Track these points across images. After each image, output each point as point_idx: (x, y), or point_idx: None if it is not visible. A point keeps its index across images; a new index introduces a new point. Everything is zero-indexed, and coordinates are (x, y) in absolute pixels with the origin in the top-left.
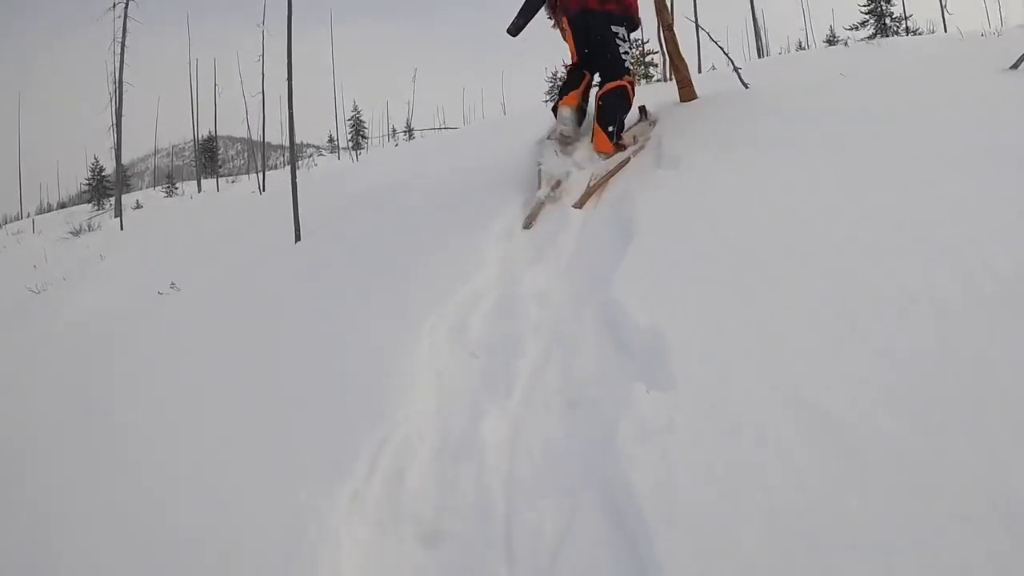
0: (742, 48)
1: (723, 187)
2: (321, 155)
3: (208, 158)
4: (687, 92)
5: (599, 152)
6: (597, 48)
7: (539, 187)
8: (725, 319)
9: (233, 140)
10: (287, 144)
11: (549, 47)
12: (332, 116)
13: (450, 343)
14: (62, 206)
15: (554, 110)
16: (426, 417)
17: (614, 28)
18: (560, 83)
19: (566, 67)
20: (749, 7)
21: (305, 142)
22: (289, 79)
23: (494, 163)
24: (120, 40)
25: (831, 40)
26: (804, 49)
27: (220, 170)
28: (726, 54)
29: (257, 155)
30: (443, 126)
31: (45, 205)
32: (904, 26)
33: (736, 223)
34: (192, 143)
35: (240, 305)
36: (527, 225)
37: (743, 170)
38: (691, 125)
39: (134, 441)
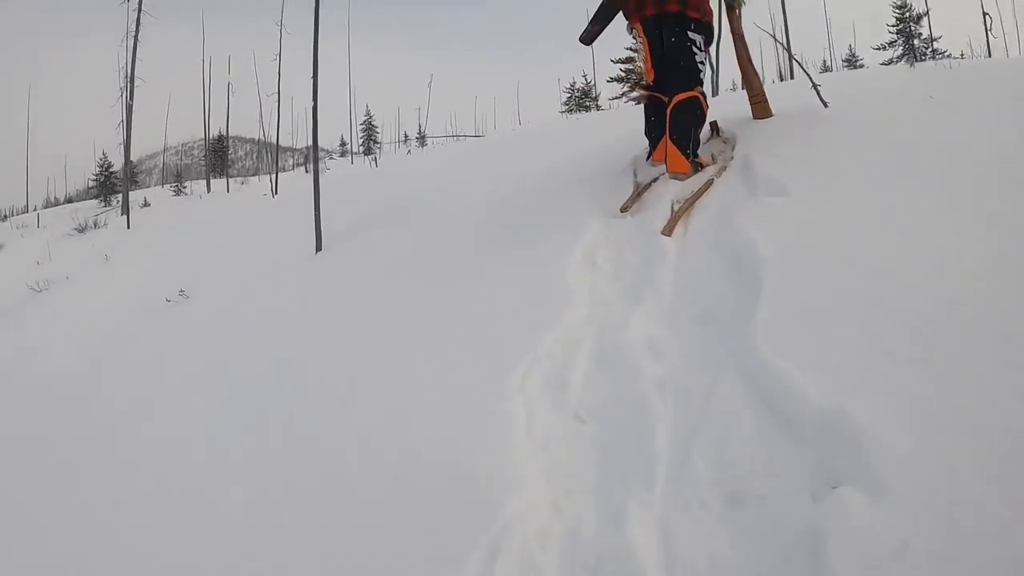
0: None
1: (853, 224)
2: (332, 159)
3: (218, 158)
4: (761, 108)
5: (674, 173)
6: (670, 53)
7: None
8: (929, 406)
9: (243, 140)
10: (301, 146)
11: (563, 56)
12: (343, 120)
13: (550, 403)
14: (69, 201)
15: (648, 157)
16: (543, 515)
17: (691, 35)
18: (646, 113)
19: (642, 92)
20: (782, 23)
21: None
22: (315, 76)
23: (539, 179)
24: (133, 34)
25: (850, 61)
26: (828, 70)
27: (229, 170)
28: (804, 68)
29: (269, 156)
30: (461, 135)
31: (52, 199)
32: (931, 48)
33: (887, 274)
34: (202, 142)
35: (260, 325)
36: (625, 208)
37: (866, 205)
38: (779, 146)
39: None
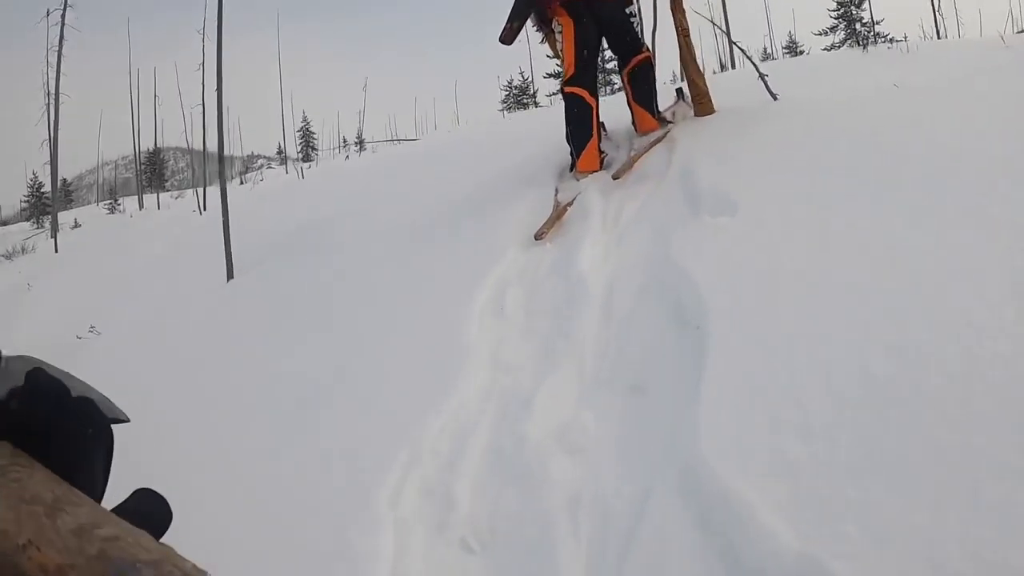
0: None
1: (821, 254)
2: (270, 167)
3: (153, 172)
4: (704, 106)
5: (644, 132)
6: (614, 33)
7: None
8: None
9: (183, 151)
10: (241, 154)
11: (500, 53)
12: (283, 127)
13: (431, 525)
14: (3, 224)
15: (572, 166)
16: None
17: (627, 9)
18: (566, 116)
19: (562, 89)
20: (721, 10)
21: (256, 153)
22: (219, 89)
23: (465, 188)
24: (57, 49)
25: (791, 47)
26: (771, 57)
27: (167, 183)
28: (751, 59)
29: (206, 167)
30: (398, 138)
31: None
32: (874, 32)
33: (873, 330)
34: (145, 154)
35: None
36: (539, 236)
37: (835, 226)
38: (725, 150)
39: None
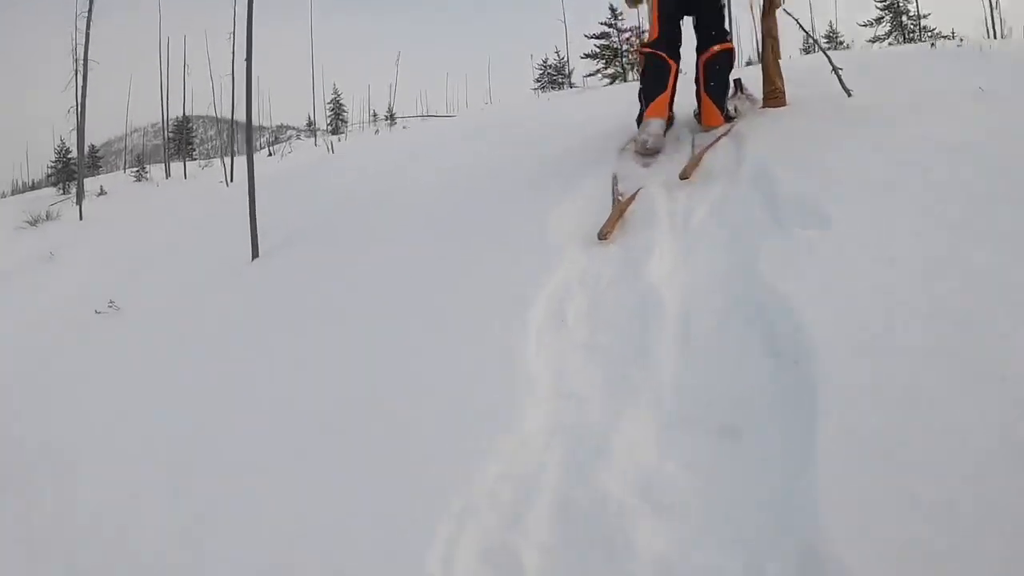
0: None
1: (940, 276)
2: (299, 139)
3: (182, 140)
4: (776, 100)
5: (708, 127)
6: (701, 12)
7: (614, 200)
8: None
9: (213, 120)
10: (263, 125)
11: (534, 31)
12: (314, 98)
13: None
14: (31, 188)
15: (639, 120)
16: None
17: None
18: (639, 74)
19: (641, 50)
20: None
21: (285, 123)
22: (248, 58)
23: (511, 174)
24: (85, 15)
25: (831, 37)
26: (809, 51)
27: (194, 153)
28: (825, 53)
29: (235, 137)
30: (432, 114)
31: (18, 184)
32: (919, 25)
33: (997, 376)
34: (169, 122)
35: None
36: (602, 235)
37: (952, 244)
38: (805, 150)
39: None
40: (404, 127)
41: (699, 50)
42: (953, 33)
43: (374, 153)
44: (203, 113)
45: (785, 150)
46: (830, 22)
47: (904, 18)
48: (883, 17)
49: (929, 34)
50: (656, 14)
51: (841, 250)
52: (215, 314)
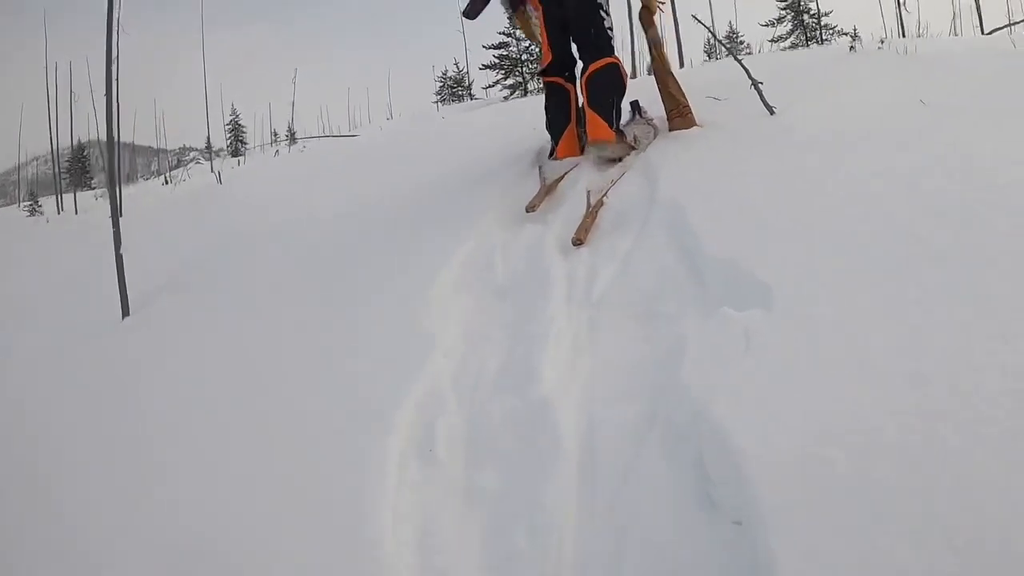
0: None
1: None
2: (199, 163)
3: (79, 170)
4: (685, 120)
5: (596, 142)
6: (576, 24)
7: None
8: None
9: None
10: (163, 148)
11: (433, 41)
12: (208, 119)
13: None
14: None
15: (551, 154)
16: None
17: (598, 3)
18: (545, 105)
19: (540, 74)
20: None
21: (187, 145)
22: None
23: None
24: None
25: (731, 39)
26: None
27: (92, 182)
28: (741, 63)
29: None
30: (334, 134)
31: None
32: (820, 23)
33: None
34: (67, 150)
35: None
36: (530, 208)
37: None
38: (724, 187)
39: None
40: (303, 148)
41: (582, 71)
42: (855, 31)
43: (270, 181)
44: (104, 138)
45: (705, 192)
46: (730, 23)
47: (806, 17)
48: (784, 16)
49: (831, 32)
50: (545, 32)
51: (787, 345)
52: (75, 384)
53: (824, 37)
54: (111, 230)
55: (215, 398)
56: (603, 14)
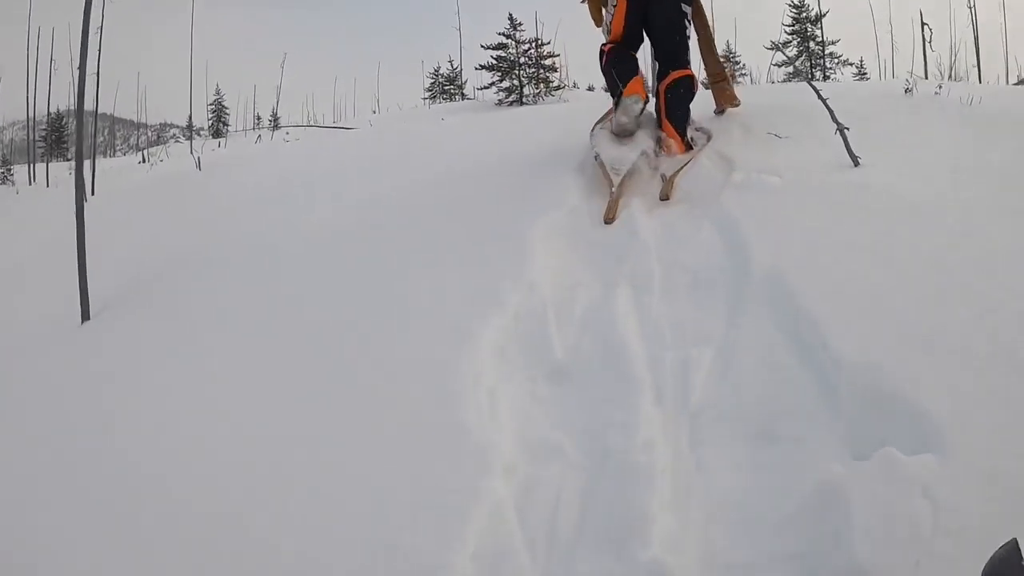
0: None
1: None
2: (179, 141)
3: (56, 140)
4: (724, 93)
5: (670, 155)
6: (663, 30)
7: (608, 181)
8: None
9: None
10: (144, 122)
11: (428, 37)
12: (191, 98)
13: None
14: None
15: (615, 99)
16: None
17: (683, 7)
18: (602, 68)
19: (606, 47)
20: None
21: (167, 122)
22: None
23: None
24: None
25: (728, 59)
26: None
27: (68, 153)
28: (826, 103)
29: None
30: (320, 124)
31: None
32: (824, 52)
33: None
34: (46, 118)
35: None
36: (608, 220)
37: None
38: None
39: None
40: (286, 137)
41: (659, 77)
42: (861, 63)
43: (253, 172)
44: (89, 108)
45: (812, 266)
46: (727, 42)
47: (812, 43)
48: (790, 41)
49: (836, 60)
50: (622, 19)
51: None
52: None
53: (828, 66)
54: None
55: (167, 423)
56: (687, 23)
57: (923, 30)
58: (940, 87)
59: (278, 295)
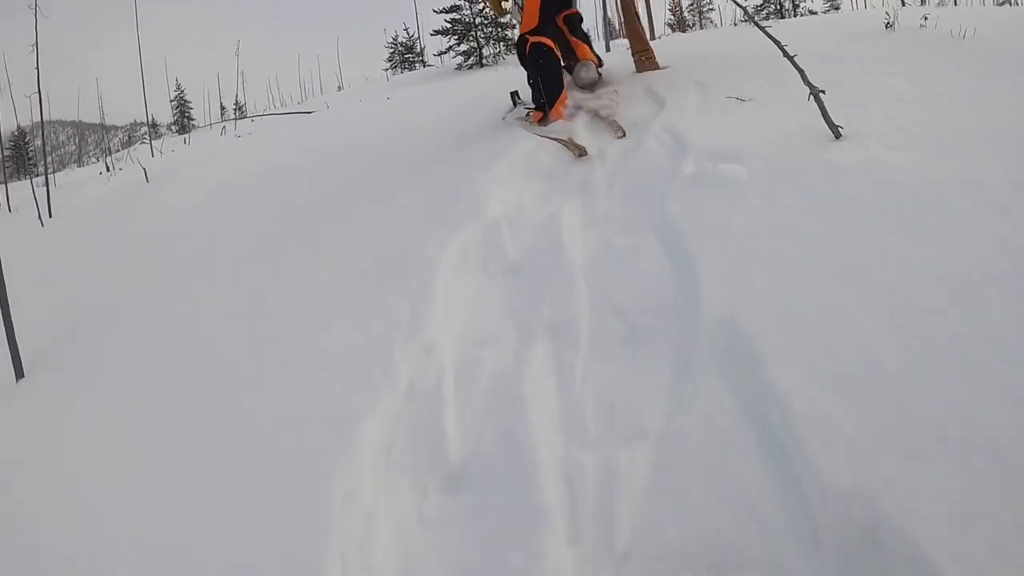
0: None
1: None
2: (144, 143)
3: (21, 156)
4: (651, 62)
5: (586, 60)
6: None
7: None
8: None
9: (63, 124)
10: (114, 124)
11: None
12: (145, 95)
13: None
14: None
15: (542, 117)
16: None
17: None
18: (535, 65)
19: (525, 39)
20: None
21: (137, 120)
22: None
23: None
24: None
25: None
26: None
27: (36, 169)
28: (793, 60)
29: (91, 138)
30: (282, 111)
31: None
32: None
33: None
34: (13, 131)
35: None
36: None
37: None
38: (797, 290)
39: None
40: (237, 134)
41: (552, 14)
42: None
43: (203, 181)
44: (55, 117)
45: (778, 306)
46: None
47: None
48: None
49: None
50: (538, 4)
51: None
52: None
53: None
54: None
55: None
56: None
57: None
58: (926, 19)
59: (170, 361)
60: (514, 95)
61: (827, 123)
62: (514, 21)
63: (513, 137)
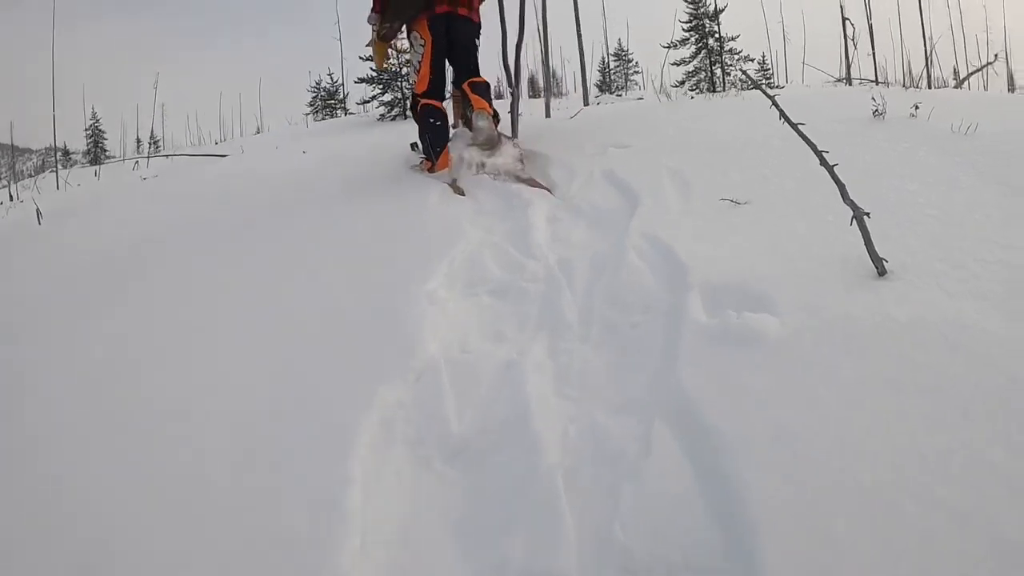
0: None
1: None
2: (52, 171)
3: None
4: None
5: (481, 110)
6: (461, 57)
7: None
8: None
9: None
10: (29, 148)
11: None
12: (74, 119)
13: None
14: None
15: (430, 166)
16: None
17: (477, 42)
18: (424, 123)
19: (417, 102)
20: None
21: (51, 146)
22: None
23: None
24: None
25: (620, 56)
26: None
27: None
28: (839, 183)
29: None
30: (198, 153)
31: None
32: (722, 47)
33: None
34: None
35: None
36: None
37: None
38: None
39: None
40: (143, 177)
41: (459, 81)
42: (764, 58)
43: (91, 226)
44: None
45: None
46: (619, 40)
47: (711, 40)
48: (688, 39)
49: (736, 56)
50: (429, 63)
51: None
52: None
53: (727, 62)
54: None
55: None
56: (477, 48)
57: (844, 26)
58: (917, 107)
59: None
60: (413, 145)
61: (870, 255)
62: (412, 78)
63: (446, 224)
